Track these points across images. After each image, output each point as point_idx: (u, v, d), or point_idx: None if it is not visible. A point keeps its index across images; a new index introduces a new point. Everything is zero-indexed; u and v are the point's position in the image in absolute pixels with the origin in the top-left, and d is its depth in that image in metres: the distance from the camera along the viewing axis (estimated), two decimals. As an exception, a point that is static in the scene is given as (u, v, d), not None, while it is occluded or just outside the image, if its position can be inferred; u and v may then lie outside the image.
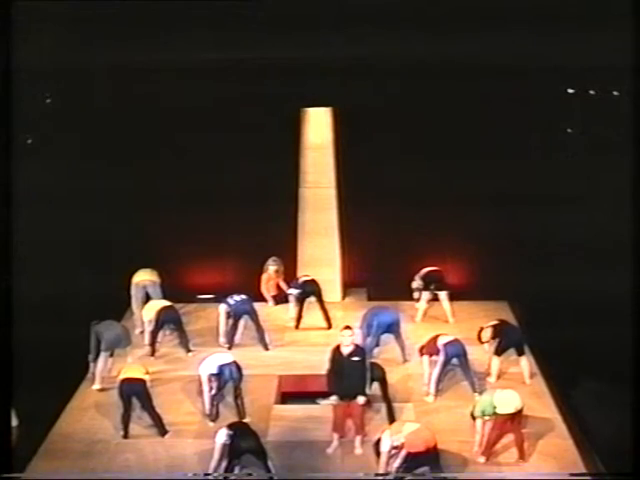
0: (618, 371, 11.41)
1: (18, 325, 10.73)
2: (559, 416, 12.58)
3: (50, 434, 12.31)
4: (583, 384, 13.17)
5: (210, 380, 12.49)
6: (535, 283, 15.08)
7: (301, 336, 15.36)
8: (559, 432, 12.20)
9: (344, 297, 16.96)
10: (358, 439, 11.84)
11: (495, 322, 13.58)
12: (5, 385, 10.52)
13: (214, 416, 12.52)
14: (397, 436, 10.83)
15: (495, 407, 11.39)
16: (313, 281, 15.46)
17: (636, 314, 10.71)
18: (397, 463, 10.77)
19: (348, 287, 17.01)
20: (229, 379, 12.48)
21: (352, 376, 11.71)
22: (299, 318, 15.51)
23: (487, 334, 13.45)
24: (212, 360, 12.62)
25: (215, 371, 12.47)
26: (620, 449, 10.60)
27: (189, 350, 14.59)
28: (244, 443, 10.94)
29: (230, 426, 11.18)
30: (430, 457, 10.82)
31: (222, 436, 10.98)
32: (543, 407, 12.82)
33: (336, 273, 16.73)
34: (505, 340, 13.41)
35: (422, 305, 15.63)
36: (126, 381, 12.18)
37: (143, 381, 12.23)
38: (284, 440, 11.74)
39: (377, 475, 11.03)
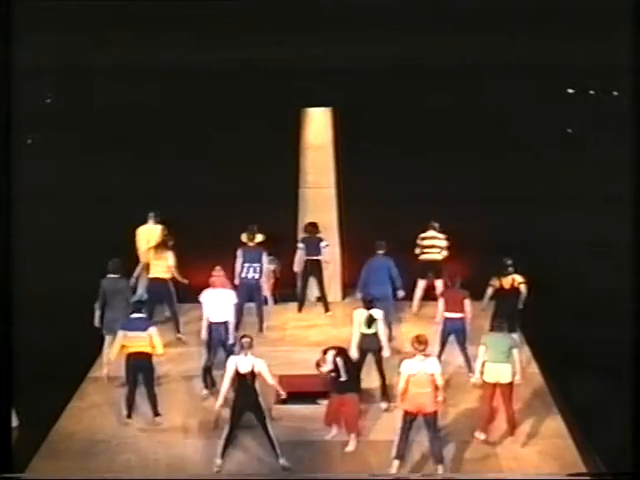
0: (618, 371, 11.42)
1: (18, 325, 10.74)
2: (559, 416, 12.58)
3: (50, 434, 12.30)
4: (583, 384, 13.17)
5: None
6: (535, 282, 15.09)
7: (301, 336, 15.37)
8: (559, 432, 12.20)
9: (344, 297, 16.96)
10: (352, 437, 11.88)
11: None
12: (5, 385, 10.52)
13: (207, 383, 12.88)
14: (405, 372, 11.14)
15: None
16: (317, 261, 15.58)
17: (636, 314, 10.72)
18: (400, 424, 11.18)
19: (348, 287, 17.01)
20: (217, 341, 12.83)
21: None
22: (302, 300, 15.63)
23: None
24: (209, 309, 12.91)
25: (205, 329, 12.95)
26: (620, 449, 10.61)
27: (179, 330, 14.77)
28: (245, 399, 11.24)
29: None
30: (427, 422, 11.19)
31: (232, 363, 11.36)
32: (543, 407, 12.83)
33: (336, 273, 16.73)
34: (499, 311, 13.50)
35: (418, 292, 15.66)
36: (132, 356, 12.25)
37: (149, 355, 12.29)
38: (284, 440, 11.73)
39: (375, 475, 11.08)
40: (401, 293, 14.72)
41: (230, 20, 13.83)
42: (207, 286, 13.45)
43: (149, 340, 12.30)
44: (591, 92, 16.59)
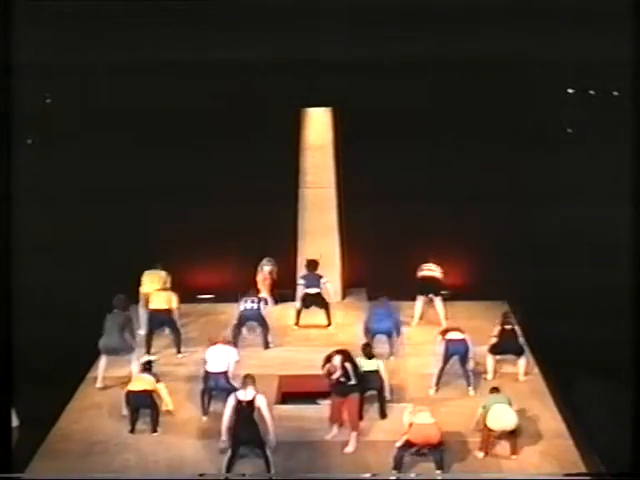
0: (618, 371, 11.42)
1: (18, 326, 10.73)
2: (559, 416, 12.58)
3: (50, 434, 12.31)
4: (583, 384, 13.17)
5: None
6: (535, 282, 15.10)
7: (301, 336, 15.36)
8: (559, 432, 12.20)
9: (344, 297, 16.95)
10: (353, 437, 11.88)
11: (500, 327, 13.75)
12: (5, 385, 10.52)
13: (206, 411, 12.67)
14: (409, 417, 11.26)
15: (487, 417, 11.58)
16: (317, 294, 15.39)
17: (636, 315, 10.72)
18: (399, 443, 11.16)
19: (348, 287, 17.01)
20: (214, 387, 12.62)
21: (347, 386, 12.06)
22: (299, 315, 15.53)
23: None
24: (209, 361, 12.74)
25: (203, 375, 12.73)
26: (620, 449, 10.60)
27: (180, 351, 14.63)
28: (244, 434, 11.12)
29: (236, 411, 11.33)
30: (431, 452, 11.18)
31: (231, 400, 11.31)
32: (543, 407, 12.83)
33: (336, 273, 16.72)
34: (503, 345, 13.51)
35: (418, 308, 15.66)
36: (132, 393, 12.22)
37: (150, 392, 12.27)
38: (284, 440, 11.73)
39: (375, 475, 11.10)
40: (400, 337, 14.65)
41: (230, 19, 13.82)
42: (206, 285, 13.42)
43: (152, 381, 12.33)
44: (591, 92, 16.57)
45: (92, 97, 16.10)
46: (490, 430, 11.55)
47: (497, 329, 13.66)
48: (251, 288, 15.21)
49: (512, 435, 11.60)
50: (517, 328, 13.77)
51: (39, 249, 14.62)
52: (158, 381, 12.47)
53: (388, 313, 14.37)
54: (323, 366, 12.18)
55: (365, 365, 12.45)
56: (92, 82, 15.70)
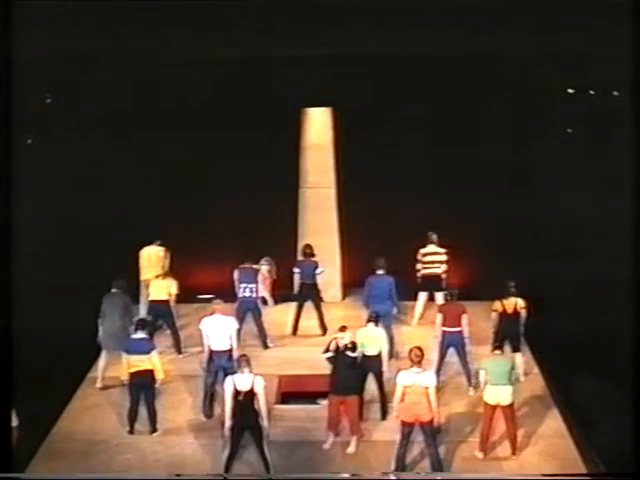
0: (618, 371, 11.43)
1: (18, 325, 10.74)
2: (559, 416, 12.58)
3: (50, 434, 12.30)
4: (583, 384, 13.17)
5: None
6: (535, 282, 15.09)
7: (301, 336, 15.34)
8: (559, 432, 12.20)
9: (344, 297, 16.96)
10: (354, 439, 11.87)
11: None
12: (5, 385, 10.52)
13: (207, 411, 12.60)
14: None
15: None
16: (313, 285, 15.34)
17: (637, 314, 10.73)
18: (399, 436, 11.19)
19: (348, 287, 17.01)
20: (218, 367, 12.55)
21: (347, 373, 11.88)
22: (296, 324, 15.41)
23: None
24: (210, 337, 12.67)
25: (206, 357, 12.64)
26: (620, 449, 10.61)
27: (180, 351, 14.61)
28: (244, 419, 11.05)
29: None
30: (423, 430, 11.19)
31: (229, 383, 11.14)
32: (543, 407, 12.83)
33: (336, 273, 16.73)
34: (502, 332, 13.44)
35: (419, 307, 15.65)
36: (135, 374, 12.21)
37: (151, 372, 12.22)
38: (284, 440, 11.74)
39: (375, 475, 11.10)
40: (395, 310, 14.60)
41: (230, 19, 13.84)
42: (204, 286, 13.40)
43: (147, 360, 12.27)
44: (591, 92, 16.61)
45: (92, 97, 16.11)
46: (487, 404, 11.55)
47: (495, 314, 13.50)
48: (248, 259, 15.02)
49: (510, 413, 11.57)
50: (523, 309, 13.48)
51: (39, 248, 14.63)
52: (153, 348, 12.36)
53: (386, 287, 14.28)
54: (326, 349, 12.07)
55: (366, 351, 12.38)
56: (92, 82, 15.71)
